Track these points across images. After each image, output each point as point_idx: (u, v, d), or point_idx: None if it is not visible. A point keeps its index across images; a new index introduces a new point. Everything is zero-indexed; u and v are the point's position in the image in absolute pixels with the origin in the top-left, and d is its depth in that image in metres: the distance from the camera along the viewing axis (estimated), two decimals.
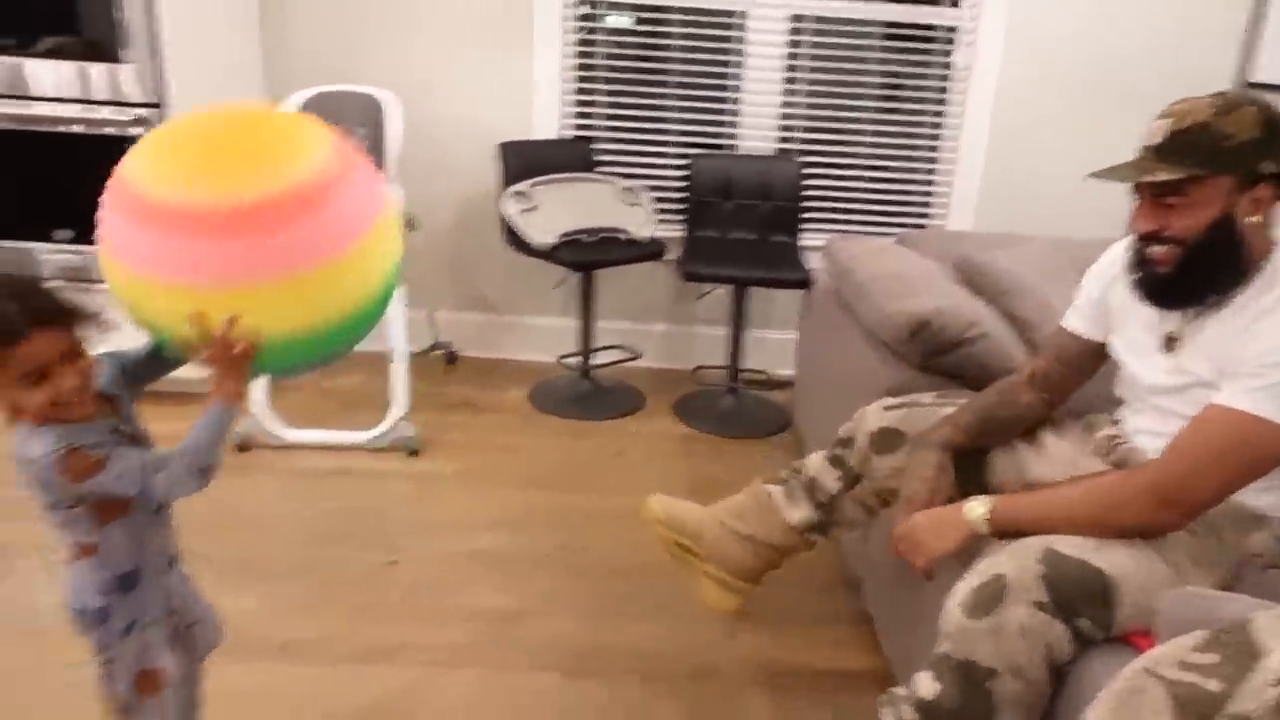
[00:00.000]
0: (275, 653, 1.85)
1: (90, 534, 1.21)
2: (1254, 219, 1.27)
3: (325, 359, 1.24)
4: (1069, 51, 3.16)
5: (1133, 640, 1.18)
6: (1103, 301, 1.54)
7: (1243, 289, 1.31)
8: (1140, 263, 1.38)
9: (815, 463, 1.74)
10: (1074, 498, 1.33)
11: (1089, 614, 1.22)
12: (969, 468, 1.59)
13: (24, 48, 2.56)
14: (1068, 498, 1.33)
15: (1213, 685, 0.90)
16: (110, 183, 1.09)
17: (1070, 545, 1.25)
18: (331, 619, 1.97)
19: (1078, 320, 1.59)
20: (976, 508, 1.39)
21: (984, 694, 1.24)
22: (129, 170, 1.07)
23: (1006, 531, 1.36)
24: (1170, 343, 1.40)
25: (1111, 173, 1.32)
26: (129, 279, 1.09)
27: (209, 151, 1.06)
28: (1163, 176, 1.27)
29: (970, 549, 1.39)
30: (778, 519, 1.72)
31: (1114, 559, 1.24)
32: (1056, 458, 1.54)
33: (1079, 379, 1.61)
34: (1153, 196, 1.31)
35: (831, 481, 1.70)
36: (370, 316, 1.20)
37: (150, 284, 1.07)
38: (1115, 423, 1.54)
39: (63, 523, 1.20)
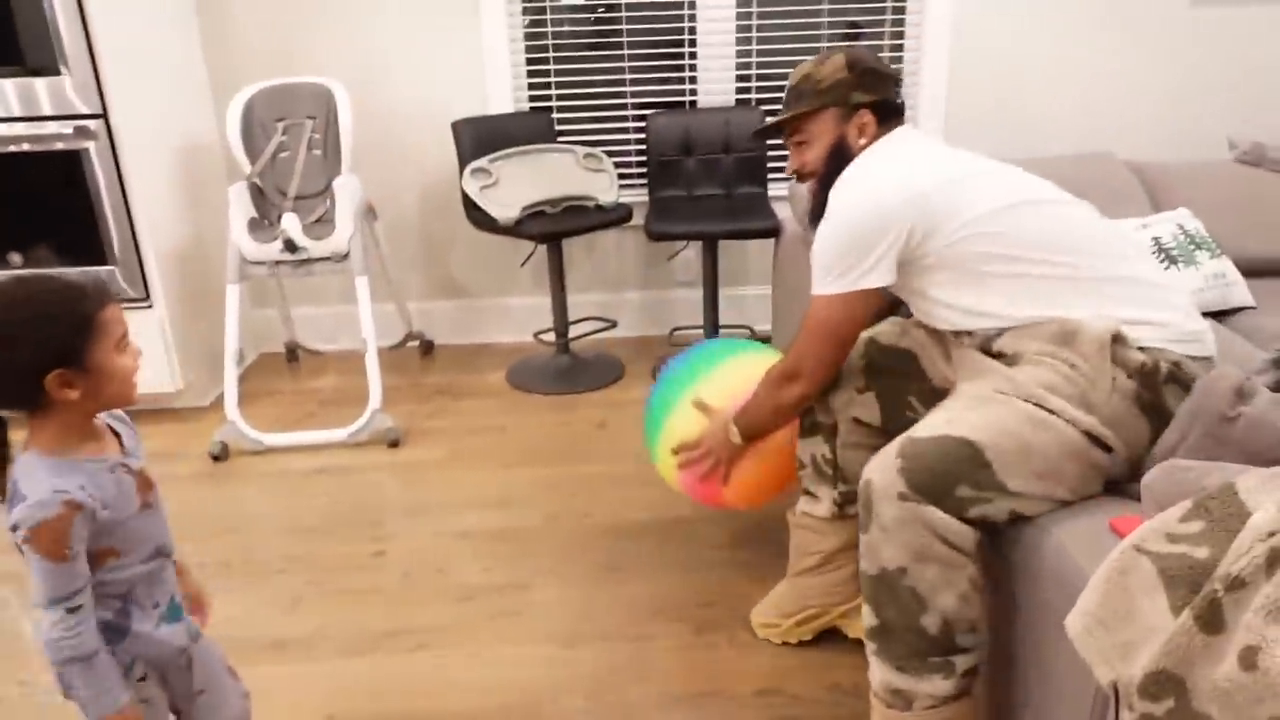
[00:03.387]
0: (268, 652, 1.81)
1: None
2: (862, 141, 1.53)
3: None
4: None
5: (1115, 526, 1.14)
6: None
7: None
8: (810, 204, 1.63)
9: (800, 447, 1.73)
10: (758, 396, 1.64)
11: (966, 479, 1.23)
12: (912, 374, 1.60)
13: None
14: (755, 399, 1.65)
15: (1201, 553, 0.85)
16: None
17: (925, 428, 1.30)
18: (323, 612, 1.93)
19: None
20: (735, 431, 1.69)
21: (905, 591, 1.27)
22: None
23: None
24: None
25: (761, 127, 1.68)
26: None
27: None
28: (779, 118, 1.61)
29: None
30: (817, 523, 1.71)
31: (969, 420, 1.27)
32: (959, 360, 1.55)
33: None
34: (789, 143, 1.62)
35: (821, 447, 1.69)
36: None
37: None
38: None
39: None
